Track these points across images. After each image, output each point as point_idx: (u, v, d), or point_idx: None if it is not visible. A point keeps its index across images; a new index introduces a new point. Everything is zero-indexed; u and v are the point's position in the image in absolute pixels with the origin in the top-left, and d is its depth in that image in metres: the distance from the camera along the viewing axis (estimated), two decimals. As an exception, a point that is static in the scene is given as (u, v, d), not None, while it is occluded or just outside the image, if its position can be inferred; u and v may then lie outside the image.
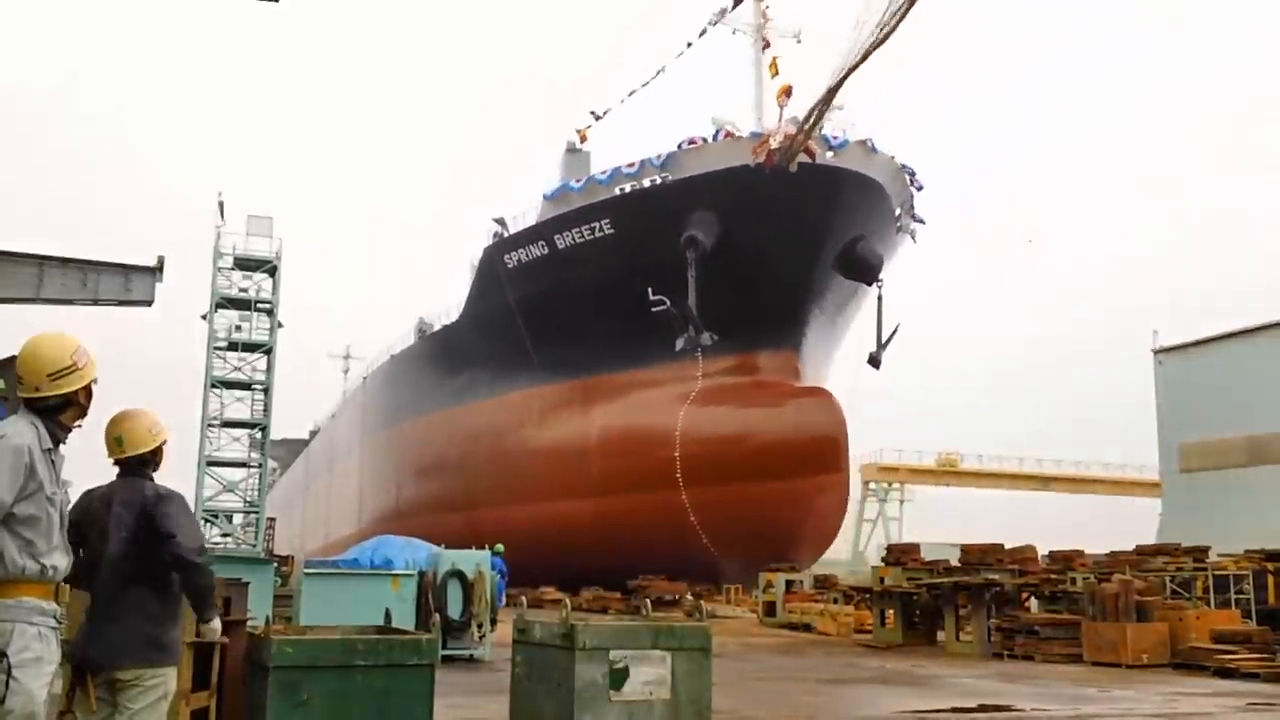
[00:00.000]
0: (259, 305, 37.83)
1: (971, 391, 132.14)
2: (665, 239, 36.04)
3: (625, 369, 39.92)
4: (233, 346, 37.93)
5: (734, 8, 42.81)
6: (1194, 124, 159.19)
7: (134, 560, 4.89)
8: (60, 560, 4.42)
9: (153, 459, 5.16)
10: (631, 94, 46.10)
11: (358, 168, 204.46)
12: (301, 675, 5.90)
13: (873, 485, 79.71)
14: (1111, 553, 25.90)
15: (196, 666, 6.63)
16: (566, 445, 41.65)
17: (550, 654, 7.18)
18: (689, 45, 43.75)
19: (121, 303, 20.56)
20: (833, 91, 28.26)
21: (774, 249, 36.07)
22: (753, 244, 35.91)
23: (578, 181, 41.48)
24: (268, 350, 37.58)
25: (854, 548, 77.32)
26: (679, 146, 38.32)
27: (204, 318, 37.40)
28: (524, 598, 26.99)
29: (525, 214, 43.05)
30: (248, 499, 38.09)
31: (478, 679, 14.86)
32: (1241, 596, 22.53)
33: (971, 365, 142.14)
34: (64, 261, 19.91)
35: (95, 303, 20.28)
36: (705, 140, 38.19)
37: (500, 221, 44.33)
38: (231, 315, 38.19)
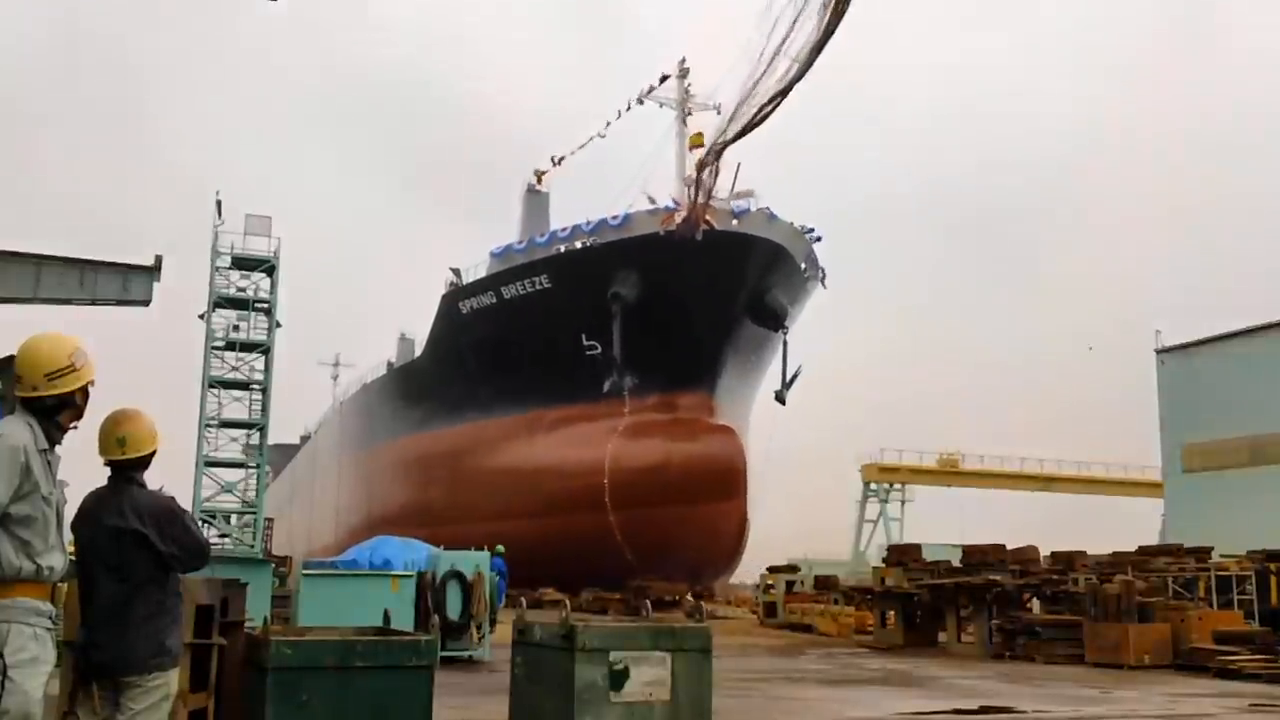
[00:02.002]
0: (257, 305, 37.63)
1: (972, 391, 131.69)
2: (596, 293, 41.61)
3: (563, 405, 45.30)
4: (230, 346, 37.72)
5: (660, 84, 49.06)
6: (1193, 123, 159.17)
7: (139, 566, 4.87)
8: (57, 560, 4.38)
9: (148, 462, 5.13)
10: (582, 146, 53.26)
11: (353, 170, 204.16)
12: (300, 676, 5.84)
13: (873, 485, 79.13)
14: (1114, 553, 25.87)
15: (194, 667, 6.59)
16: (513, 472, 46.70)
17: (550, 655, 7.12)
18: (620, 114, 50.40)
19: (119, 302, 20.53)
20: (708, 166, 31.04)
21: (690, 303, 41.21)
22: (671, 299, 40.95)
23: (520, 243, 48.22)
24: (266, 350, 37.39)
25: (855, 548, 76.97)
26: (604, 219, 44.07)
27: (202, 317, 37.23)
28: (524, 599, 27.00)
29: (477, 266, 49.40)
30: (245, 499, 37.94)
31: (477, 680, 14.83)
32: (1244, 597, 22.51)
33: (972, 365, 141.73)
34: (62, 261, 19.90)
35: (93, 302, 20.26)
36: (627, 215, 43.80)
37: (456, 271, 50.53)
38: (229, 315, 37.96)
